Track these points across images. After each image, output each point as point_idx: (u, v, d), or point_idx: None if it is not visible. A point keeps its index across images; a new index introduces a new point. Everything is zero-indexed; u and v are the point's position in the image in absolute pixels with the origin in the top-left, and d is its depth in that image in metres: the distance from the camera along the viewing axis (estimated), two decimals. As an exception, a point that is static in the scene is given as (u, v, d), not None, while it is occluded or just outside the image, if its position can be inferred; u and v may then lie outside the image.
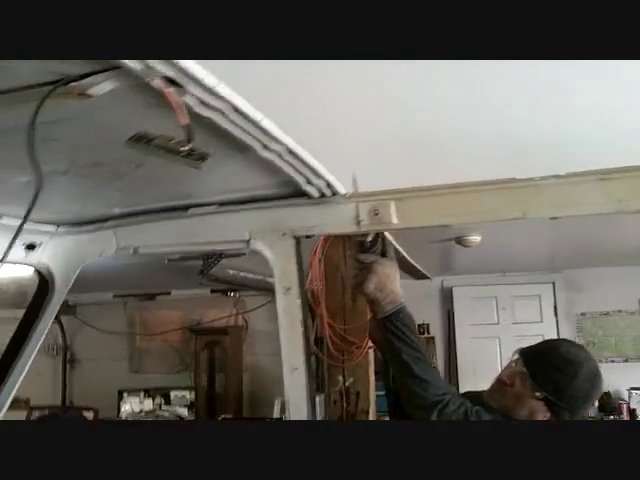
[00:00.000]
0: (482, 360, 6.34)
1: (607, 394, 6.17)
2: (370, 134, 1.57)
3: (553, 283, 6.73)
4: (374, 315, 1.89)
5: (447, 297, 6.75)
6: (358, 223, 1.83)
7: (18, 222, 1.89)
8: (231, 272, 4.52)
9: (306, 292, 2.00)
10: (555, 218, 1.84)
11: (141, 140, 1.13)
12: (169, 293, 6.82)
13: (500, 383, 1.92)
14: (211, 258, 3.91)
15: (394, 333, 1.81)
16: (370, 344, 2.85)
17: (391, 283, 1.84)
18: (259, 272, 5.04)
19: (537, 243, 4.85)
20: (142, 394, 5.48)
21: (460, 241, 3.89)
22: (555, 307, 6.70)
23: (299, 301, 1.89)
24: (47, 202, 1.85)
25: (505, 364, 6.13)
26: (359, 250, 1.93)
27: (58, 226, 2.03)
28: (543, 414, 1.82)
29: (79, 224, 2.03)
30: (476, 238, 3.88)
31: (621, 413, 5.93)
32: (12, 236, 1.37)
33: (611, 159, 1.66)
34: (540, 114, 1.49)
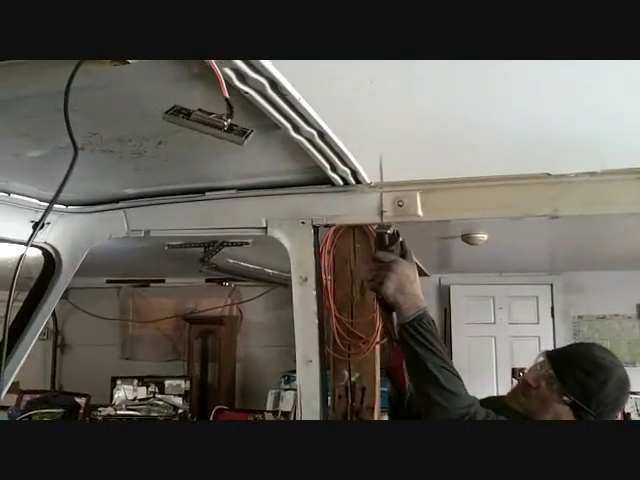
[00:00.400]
0: (477, 359, 6.31)
1: (602, 398, 6.15)
2: (399, 124, 1.52)
3: (551, 285, 6.69)
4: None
5: (444, 295, 6.69)
6: (381, 214, 1.77)
7: (26, 199, 1.85)
8: (231, 261, 4.45)
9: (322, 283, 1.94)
10: (555, 217, 1.76)
11: (180, 113, 1.06)
12: (163, 281, 6.74)
13: (525, 385, 1.83)
14: (212, 246, 3.84)
15: (417, 340, 1.64)
16: (377, 339, 2.79)
17: (411, 285, 1.68)
18: (259, 263, 4.97)
19: (538, 244, 4.82)
20: (136, 382, 5.41)
21: (467, 239, 3.83)
22: (552, 309, 6.66)
23: (315, 292, 1.83)
24: (57, 179, 1.78)
25: (499, 364, 6.08)
26: (377, 247, 1.75)
27: (67, 205, 1.95)
28: (568, 419, 1.74)
29: (89, 204, 1.96)
30: (483, 236, 3.82)
31: (615, 417, 5.91)
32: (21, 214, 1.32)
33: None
34: (574, 111, 1.44)
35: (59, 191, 1.11)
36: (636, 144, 1.58)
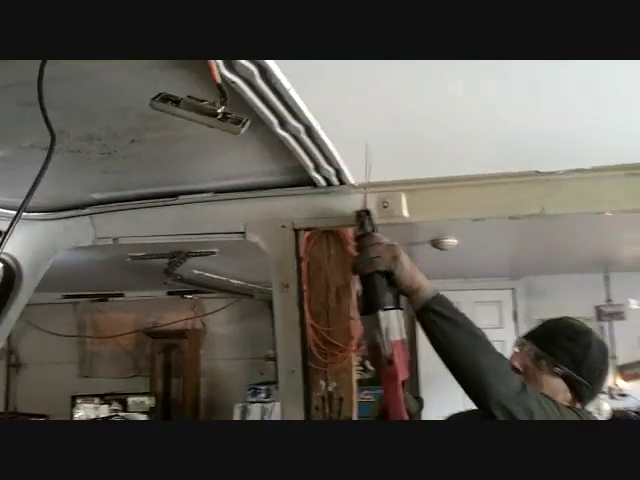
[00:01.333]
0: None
1: (566, 400, 6.21)
2: (384, 125, 1.48)
3: (513, 289, 6.77)
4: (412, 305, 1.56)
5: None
6: (365, 216, 1.69)
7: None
8: (196, 272, 4.32)
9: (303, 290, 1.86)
10: (513, 218, 1.75)
11: (168, 100, 0.97)
12: (122, 295, 6.56)
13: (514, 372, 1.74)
14: (177, 256, 3.72)
15: (446, 317, 1.52)
16: (354, 347, 2.70)
17: (413, 264, 1.56)
18: (224, 273, 4.85)
19: (501, 249, 4.85)
20: (97, 400, 5.21)
21: (436, 244, 3.80)
22: (515, 313, 6.73)
23: (297, 300, 1.75)
24: (17, 183, 1.66)
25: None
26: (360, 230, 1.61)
27: (28, 212, 1.82)
28: (564, 394, 1.68)
29: (52, 210, 1.84)
30: (453, 241, 3.79)
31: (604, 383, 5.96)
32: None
33: (638, 155, 1.58)
34: (562, 108, 1.42)
35: (30, 192, 1.00)
36: (624, 141, 1.56)
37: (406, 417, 1.51)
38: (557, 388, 1.68)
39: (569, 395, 1.70)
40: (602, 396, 6.01)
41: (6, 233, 1.25)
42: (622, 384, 6.31)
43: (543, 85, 1.28)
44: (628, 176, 1.59)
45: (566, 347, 1.70)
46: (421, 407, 1.78)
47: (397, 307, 1.53)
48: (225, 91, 0.93)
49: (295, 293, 1.73)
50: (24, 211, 1.78)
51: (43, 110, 0.95)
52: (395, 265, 1.51)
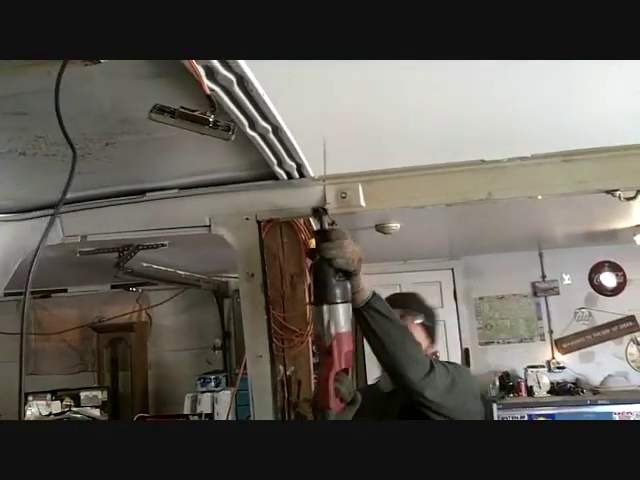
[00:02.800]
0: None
1: (506, 373, 6.48)
2: (339, 120, 1.57)
3: (452, 269, 6.95)
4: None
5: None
6: (325, 206, 1.80)
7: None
8: (145, 265, 4.34)
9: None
10: (449, 205, 1.89)
11: (163, 112, 1.04)
12: (66, 290, 6.47)
13: None
14: (127, 250, 3.74)
15: (383, 314, 1.69)
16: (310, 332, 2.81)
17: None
18: (170, 265, 4.88)
19: (440, 231, 5.00)
20: (49, 396, 5.17)
21: (381, 228, 3.93)
22: (455, 292, 6.91)
23: (262, 287, 1.84)
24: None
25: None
26: (320, 225, 1.73)
27: (-6, 214, 1.86)
28: (426, 339, 2.12)
29: (20, 211, 1.87)
30: (396, 225, 3.93)
31: (520, 391, 6.23)
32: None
33: (574, 142, 1.73)
34: (506, 99, 1.54)
35: (63, 196, 1.05)
36: (561, 128, 1.70)
37: (332, 405, 1.56)
38: (421, 336, 2.07)
39: (427, 340, 2.14)
40: (541, 369, 6.30)
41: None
42: (559, 357, 6.61)
43: (489, 78, 1.40)
44: (565, 162, 1.73)
45: (418, 306, 2.21)
46: (357, 401, 1.79)
47: (345, 301, 1.60)
48: (215, 101, 1.01)
49: (260, 281, 1.82)
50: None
51: (61, 125, 1.00)
52: (359, 267, 1.61)
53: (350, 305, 1.63)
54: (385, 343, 1.70)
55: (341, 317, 1.58)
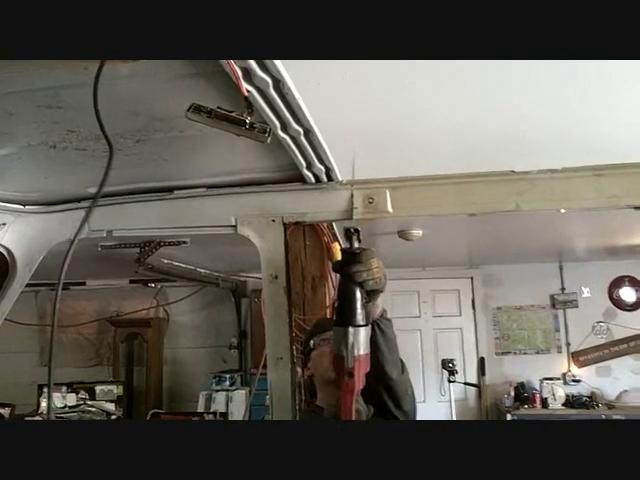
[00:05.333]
0: (404, 352, 6.42)
1: (521, 384, 6.44)
2: (370, 125, 1.56)
3: (471, 278, 6.94)
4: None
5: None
6: (352, 211, 1.79)
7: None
8: (165, 261, 4.36)
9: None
10: (473, 215, 1.85)
11: (200, 111, 1.05)
12: (84, 283, 6.52)
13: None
14: (149, 246, 3.76)
15: (389, 326, 1.84)
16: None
17: None
18: (190, 262, 4.90)
19: (461, 239, 5.00)
20: (64, 389, 5.20)
21: (403, 235, 3.92)
22: (473, 301, 6.91)
23: (285, 289, 1.83)
24: (18, 177, 1.72)
25: (425, 356, 6.29)
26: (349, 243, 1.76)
27: (25, 205, 1.87)
28: None
29: (48, 204, 1.88)
30: (418, 232, 3.92)
31: (535, 402, 6.19)
32: None
33: (605, 156, 1.71)
34: (537, 111, 1.53)
35: (99, 191, 1.06)
36: (592, 143, 1.68)
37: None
38: None
39: None
40: (556, 382, 6.26)
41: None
42: (575, 370, 6.57)
43: (521, 89, 1.39)
44: (595, 176, 1.72)
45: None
46: (369, 415, 1.90)
47: (367, 324, 1.61)
48: (252, 102, 1.01)
49: (284, 283, 1.81)
50: (16, 204, 1.85)
51: (99, 121, 1.00)
52: (384, 286, 1.63)
53: (370, 327, 1.64)
54: (388, 348, 1.85)
55: (363, 340, 1.59)
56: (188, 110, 1.04)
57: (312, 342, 2.12)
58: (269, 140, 1.09)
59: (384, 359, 1.88)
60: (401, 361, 2.00)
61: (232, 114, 1.05)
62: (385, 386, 1.93)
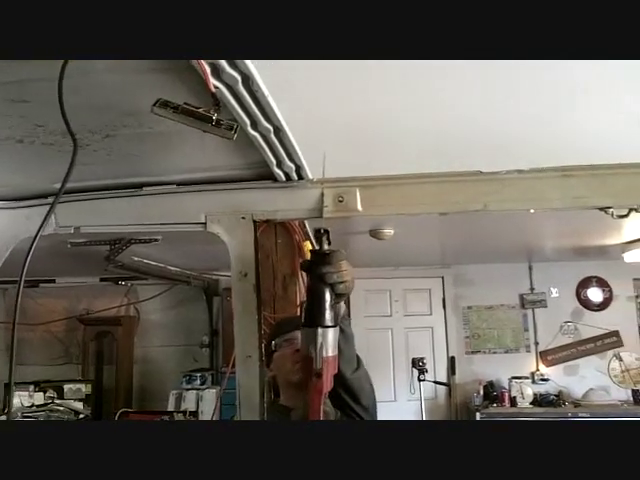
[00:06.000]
0: (375, 351, 6.49)
1: (491, 383, 6.51)
2: (340, 124, 1.57)
3: (442, 278, 7.00)
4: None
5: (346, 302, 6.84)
6: (322, 209, 1.80)
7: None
8: (136, 259, 4.33)
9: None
10: (443, 214, 1.87)
11: (167, 106, 1.04)
12: (54, 281, 6.44)
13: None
14: (119, 243, 3.73)
15: (345, 332, 1.89)
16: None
17: None
18: (161, 260, 4.87)
19: (432, 239, 5.04)
20: (32, 387, 5.13)
21: (375, 234, 3.94)
22: (444, 300, 6.97)
23: (254, 287, 1.83)
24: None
25: (396, 354, 6.33)
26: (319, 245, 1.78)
27: (-11, 201, 1.85)
28: None
29: (15, 199, 1.86)
30: (390, 231, 3.94)
31: (503, 401, 6.27)
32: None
33: (572, 158, 1.74)
34: (504, 112, 1.55)
35: (62, 187, 1.05)
36: (559, 144, 1.71)
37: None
38: None
39: None
40: (525, 380, 6.34)
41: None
42: (543, 369, 6.66)
43: (488, 90, 1.41)
44: (562, 177, 1.74)
45: None
46: (338, 416, 1.95)
47: (335, 325, 1.62)
48: (219, 99, 1.01)
49: (253, 281, 1.81)
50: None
51: (64, 115, 1.00)
52: (352, 289, 1.63)
53: (338, 329, 1.65)
54: (348, 347, 1.94)
55: (332, 341, 1.60)
56: (154, 105, 1.04)
57: (274, 343, 2.14)
58: (235, 137, 1.09)
59: (340, 358, 1.88)
60: (357, 357, 2.03)
61: (199, 110, 1.05)
62: (341, 384, 1.97)
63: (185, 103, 1.06)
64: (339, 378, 1.94)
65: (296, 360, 2.09)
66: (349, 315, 2.10)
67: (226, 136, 1.07)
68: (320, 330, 1.57)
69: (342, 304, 1.79)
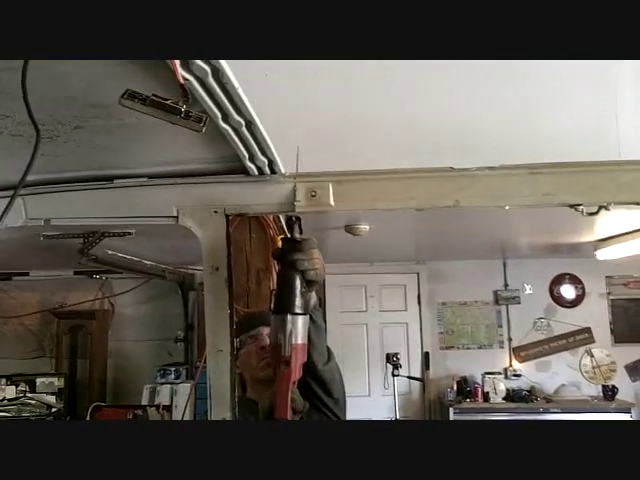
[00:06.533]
0: (350, 346, 6.52)
1: (464, 379, 6.57)
2: (313, 118, 1.58)
3: (418, 274, 7.04)
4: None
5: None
6: (294, 204, 1.80)
7: None
8: (110, 252, 4.30)
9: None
10: (416, 210, 1.88)
11: (134, 98, 1.04)
12: (27, 274, 6.37)
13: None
14: (93, 236, 3.69)
15: (316, 322, 1.95)
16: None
17: None
18: (136, 254, 4.84)
19: (407, 235, 5.07)
20: (4, 381, 5.07)
21: (350, 229, 3.96)
22: (419, 296, 7.02)
23: (226, 281, 1.83)
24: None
25: (371, 350, 6.41)
26: (291, 234, 1.79)
27: (-45, 193, 1.82)
28: None
29: (-18, 191, 1.83)
30: (365, 227, 3.96)
31: (476, 396, 6.33)
32: None
33: (541, 155, 1.76)
34: (477, 110, 1.57)
35: (23, 179, 1.04)
36: (529, 142, 1.73)
37: (290, 415, 1.62)
38: None
39: None
40: (498, 376, 6.41)
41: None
42: (516, 365, 6.73)
43: (455, 88, 1.43)
44: (531, 174, 1.76)
45: None
46: (305, 409, 1.95)
47: (305, 313, 1.64)
48: (188, 91, 1.01)
49: (225, 275, 1.80)
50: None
51: (27, 106, 0.99)
52: (323, 278, 1.68)
53: (308, 317, 1.68)
54: (318, 337, 1.98)
55: (301, 329, 1.63)
56: (122, 96, 1.04)
57: (239, 340, 2.14)
58: (204, 129, 1.09)
59: (312, 349, 1.91)
60: (327, 348, 2.07)
61: (167, 102, 1.04)
62: (313, 376, 2.01)
63: (153, 95, 1.05)
64: (310, 369, 1.96)
65: (262, 357, 2.11)
66: (321, 306, 2.12)
67: (194, 128, 1.07)
68: (289, 317, 1.59)
69: (313, 294, 1.80)
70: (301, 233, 1.74)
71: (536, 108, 1.58)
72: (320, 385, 2.04)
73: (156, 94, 1.06)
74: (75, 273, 6.28)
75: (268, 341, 2.07)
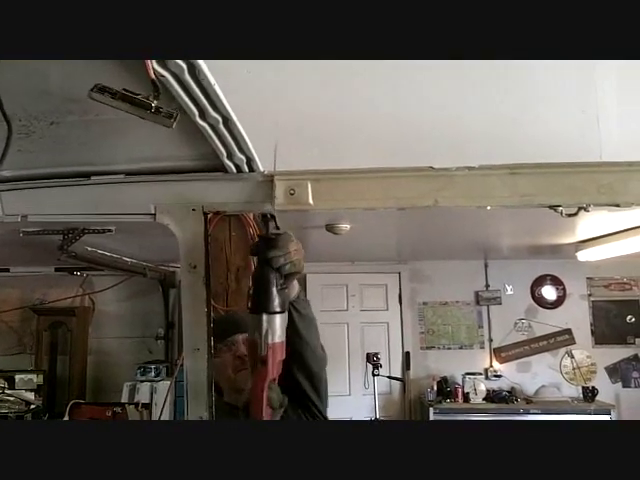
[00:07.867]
0: (331, 345, 6.48)
1: (444, 379, 6.59)
2: (292, 117, 1.58)
3: (399, 273, 7.06)
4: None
5: (300, 283, 6.84)
6: (272, 202, 1.79)
7: None
8: (89, 249, 4.27)
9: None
10: (402, 209, 1.88)
11: (104, 92, 1.03)
12: (8, 270, 6.32)
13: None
14: (72, 233, 3.67)
15: (302, 313, 1.96)
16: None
17: None
18: (116, 251, 4.81)
19: (389, 235, 5.09)
20: (-18, 377, 5.04)
21: (331, 228, 3.96)
22: (400, 296, 7.03)
23: (203, 279, 1.82)
24: None
25: (351, 349, 6.43)
26: (267, 228, 1.78)
27: None
28: None
29: (-43, 187, 1.81)
30: (346, 226, 3.96)
31: (457, 397, 6.35)
32: None
33: (520, 156, 1.76)
34: (456, 109, 1.57)
35: None
36: (509, 142, 1.74)
37: (265, 413, 1.63)
38: None
39: None
40: (478, 377, 6.44)
41: None
42: (497, 365, 6.77)
43: (435, 87, 1.43)
44: (510, 175, 1.77)
45: None
46: (284, 405, 1.94)
47: (282, 311, 1.63)
48: (159, 86, 1.00)
49: (202, 273, 1.79)
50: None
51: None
52: (303, 268, 1.69)
53: (287, 314, 1.67)
54: (307, 330, 1.98)
55: (278, 327, 1.62)
56: (92, 90, 1.03)
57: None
58: (174, 125, 1.09)
59: (305, 347, 1.95)
60: (321, 346, 2.08)
61: (138, 97, 1.03)
62: (306, 375, 2.01)
63: (124, 89, 1.04)
64: (303, 369, 1.94)
65: (238, 368, 2.09)
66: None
67: (165, 124, 1.06)
68: (265, 316, 1.59)
69: (295, 284, 1.78)
70: (278, 228, 1.74)
71: (517, 108, 1.59)
72: (311, 384, 2.05)
73: (127, 89, 1.05)
74: (56, 270, 6.22)
75: (244, 350, 2.05)
